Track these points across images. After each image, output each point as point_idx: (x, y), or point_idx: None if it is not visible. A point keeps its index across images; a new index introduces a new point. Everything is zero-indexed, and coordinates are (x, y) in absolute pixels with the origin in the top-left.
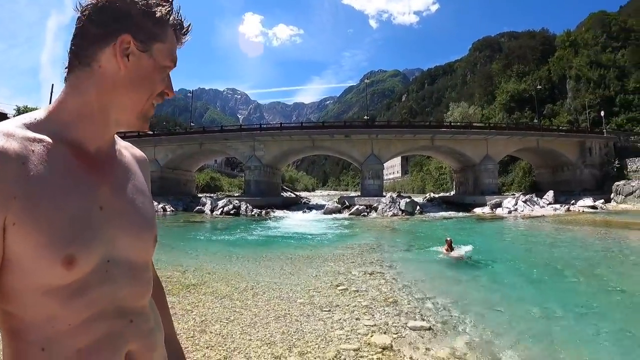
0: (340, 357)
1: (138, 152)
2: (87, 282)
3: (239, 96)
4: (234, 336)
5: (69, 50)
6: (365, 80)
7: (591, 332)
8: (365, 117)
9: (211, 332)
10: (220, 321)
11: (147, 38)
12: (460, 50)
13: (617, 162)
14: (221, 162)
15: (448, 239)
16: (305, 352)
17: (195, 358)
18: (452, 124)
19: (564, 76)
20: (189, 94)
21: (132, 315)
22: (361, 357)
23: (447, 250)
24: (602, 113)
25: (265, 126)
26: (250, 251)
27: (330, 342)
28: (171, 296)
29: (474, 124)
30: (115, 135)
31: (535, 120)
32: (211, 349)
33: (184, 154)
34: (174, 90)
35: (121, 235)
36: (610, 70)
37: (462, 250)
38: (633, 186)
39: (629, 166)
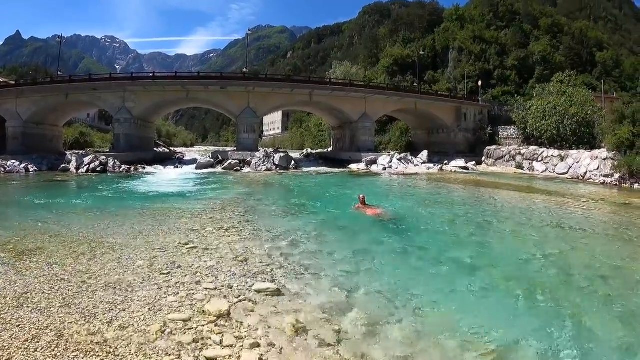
0: (165, 329)
1: None
2: None
3: (118, 45)
4: (51, 310)
5: None
6: (248, 32)
7: (459, 281)
8: (244, 70)
9: (28, 307)
10: (43, 292)
11: None
12: (351, 13)
13: (489, 128)
14: (94, 116)
15: (361, 196)
16: (127, 325)
17: (1, 339)
18: (332, 80)
19: (448, 47)
20: (57, 39)
21: None
22: (189, 328)
23: (361, 206)
24: (480, 83)
25: (137, 75)
26: (104, 211)
27: (158, 312)
28: (0, 266)
29: (354, 82)
30: None
31: (415, 85)
32: (21, 328)
33: (48, 107)
34: (47, 35)
35: None
36: (492, 46)
37: (386, 210)
38: (503, 151)
39: (500, 133)
